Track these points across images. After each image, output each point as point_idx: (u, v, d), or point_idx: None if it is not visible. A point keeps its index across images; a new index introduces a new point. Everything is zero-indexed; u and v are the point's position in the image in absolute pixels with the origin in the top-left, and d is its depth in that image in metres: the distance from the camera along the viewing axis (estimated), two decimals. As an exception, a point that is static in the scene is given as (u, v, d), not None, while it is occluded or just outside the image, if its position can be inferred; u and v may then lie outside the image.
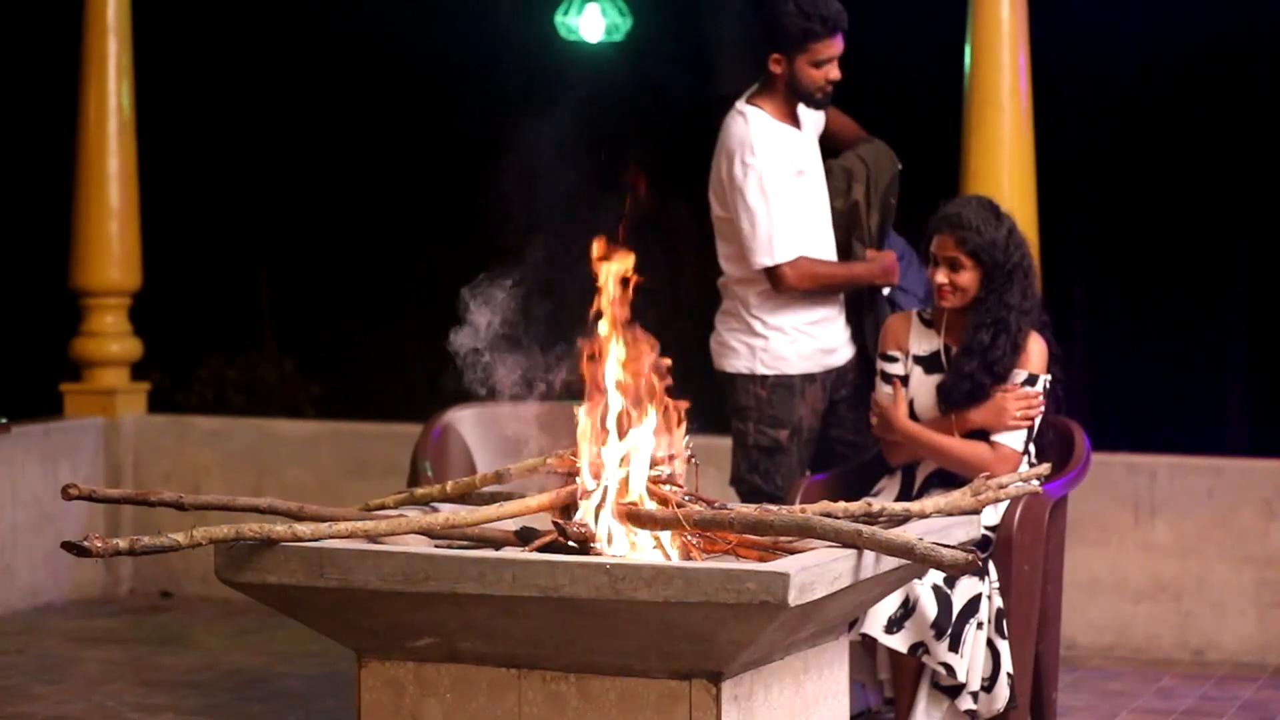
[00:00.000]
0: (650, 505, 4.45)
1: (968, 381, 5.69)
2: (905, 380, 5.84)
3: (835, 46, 6.08)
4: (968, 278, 5.69)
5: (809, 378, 6.18)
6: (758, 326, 6.19)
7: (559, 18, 11.87)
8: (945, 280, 5.70)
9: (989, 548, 5.59)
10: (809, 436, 6.20)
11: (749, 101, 6.19)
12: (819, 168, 6.28)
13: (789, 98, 6.15)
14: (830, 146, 6.39)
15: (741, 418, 6.22)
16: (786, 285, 6.11)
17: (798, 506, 4.60)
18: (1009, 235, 5.72)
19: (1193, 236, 13.31)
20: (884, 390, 5.83)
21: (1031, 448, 5.78)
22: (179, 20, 12.77)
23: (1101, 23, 12.39)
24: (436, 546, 4.52)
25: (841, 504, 4.59)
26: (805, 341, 6.17)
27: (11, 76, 13.68)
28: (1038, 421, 5.75)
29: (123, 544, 4.08)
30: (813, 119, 6.29)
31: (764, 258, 6.10)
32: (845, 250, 6.25)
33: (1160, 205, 13.27)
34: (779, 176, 6.10)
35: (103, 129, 8.67)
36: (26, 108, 13.51)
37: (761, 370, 6.20)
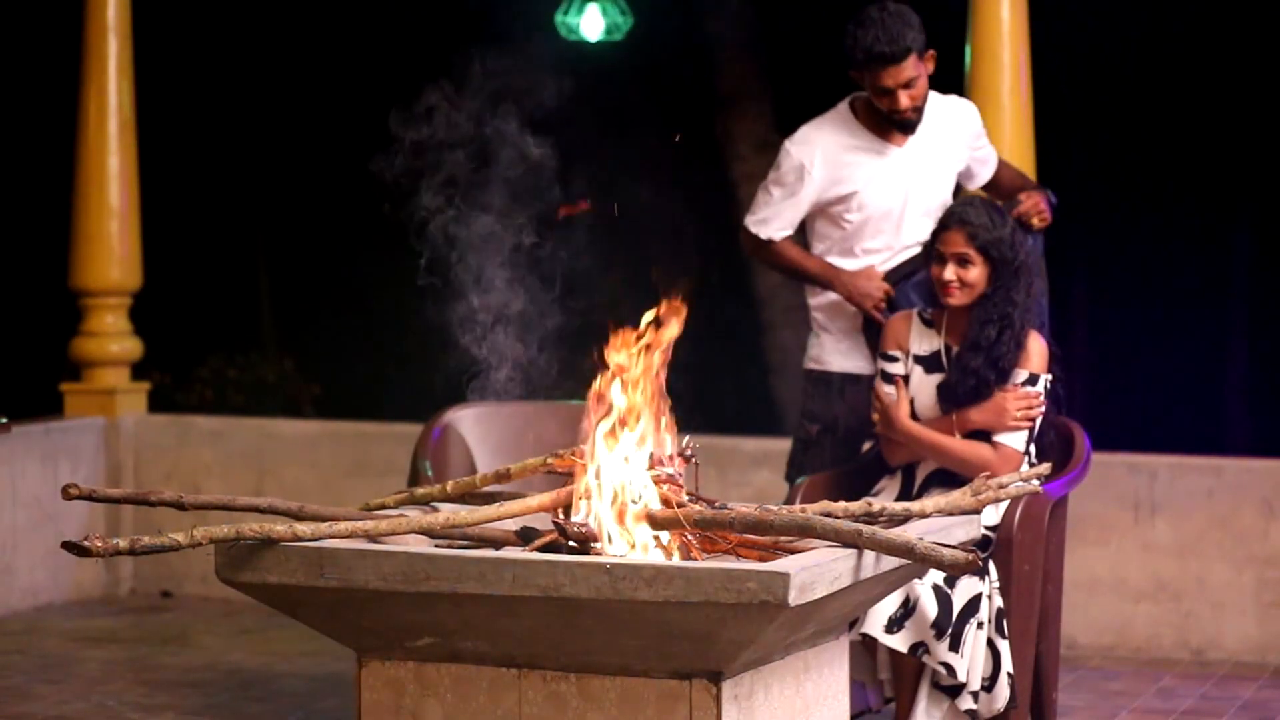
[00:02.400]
0: (651, 505, 4.45)
1: (973, 378, 5.69)
2: (905, 380, 5.84)
3: (890, 78, 5.92)
4: (976, 274, 5.69)
5: (852, 378, 6.13)
6: (814, 325, 6.25)
7: (559, 17, 11.87)
8: (953, 277, 5.70)
9: (989, 547, 5.59)
10: (844, 437, 6.15)
11: (851, 99, 6.13)
12: (906, 182, 6.08)
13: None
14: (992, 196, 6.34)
15: (800, 410, 6.29)
16: (743, 246, 6.30)
17: (798, 506, 4.60)
18: (1013, 234, 5.73)
19: (1193, 236, 13.32)
20: (886, 389, 5.83)
21: (1032, 448, 5.78)
22: (179, 20, 12.77)
23: (1102, 22, 12.39)
24: (436, 546, 4.52)
25: (841, 504, 4.58)
26: (852, 344, 6.15)
27: (11, 76, 13.68)
28: (1039, 422, 5.76)
29: (123, 544, 4.08)
30: (926, 137, 6.09)
31: (745, 215, 6.24)
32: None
33: (1160, 205, 13.28)
34: (803, 164, 6.07)
35: (103, 129, 8.67)
36: (26, 107, 13.51)
37: (809, 364, 6.25)
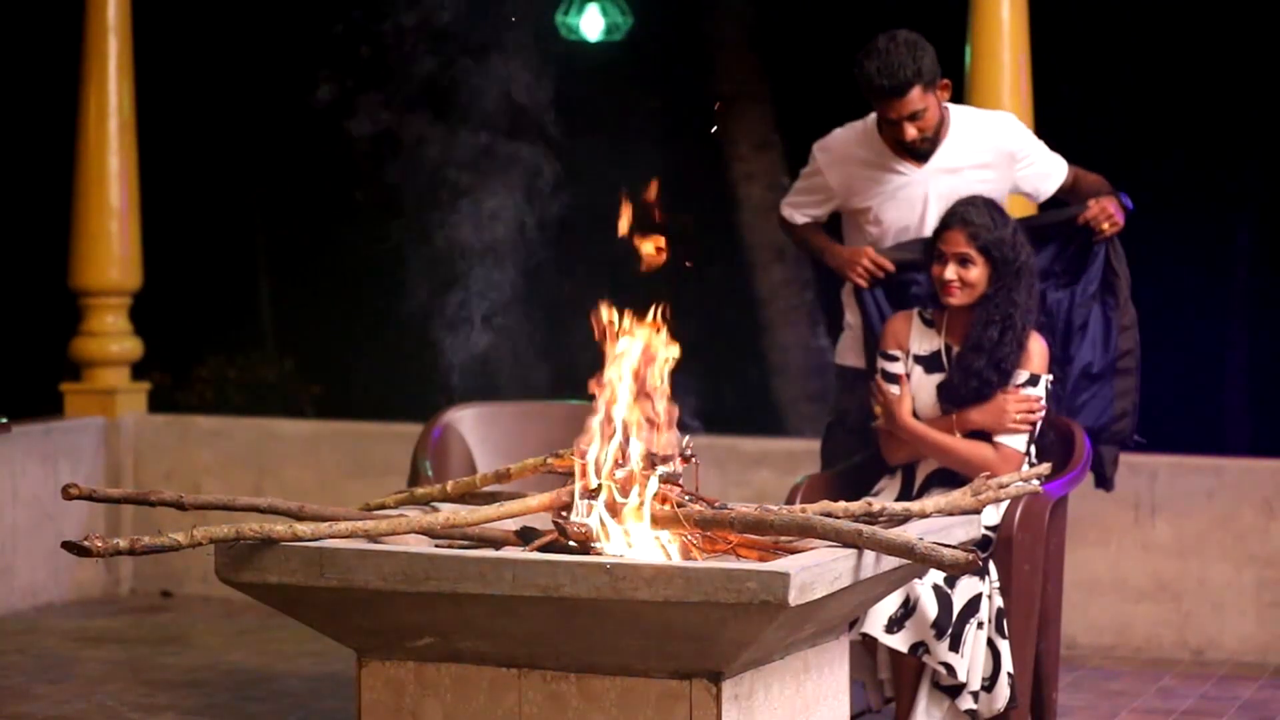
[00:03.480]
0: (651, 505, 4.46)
1: (976, 379, 5.69)
2: (905, 379, 5.84)
3: (893, 110, 5.88)
4: (977, 274, 5.70)
5: (863, 374, 6.14)
6: (841, 322, 6.31)
7: (559, 17, 11.87)
8: (954, 276, 5.70)
9: (989, 547, 5.59)
10: (851, 429, 6.18)
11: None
12: (923, 202, 6.04)
13: None
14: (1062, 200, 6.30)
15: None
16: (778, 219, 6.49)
17: (798, 506, 4.60)
18: (1014, 234, 5.73)
19: (1193, 236, 13.31)
20: (889, 386, 5.83)
21: (1032, 448, 5.78)
22: (179, 20, 12.77)
23: (1102, 22, 12.39)
24: (436, 546, 4.52)
25: (841, 504, 4.59)
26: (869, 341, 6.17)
27: (11, 76, 13.68)
28: (1038, 424, 5.76)
29: (123, 544, 4.08)
30: (950, 157, 6.04)
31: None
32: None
33: (1160, 204, 13.27)
34: (820, 170, 6.16)
35: (103, 129, 8.67)
36: (26, 107, 13.51)
37: (834, 358, 6.35)
